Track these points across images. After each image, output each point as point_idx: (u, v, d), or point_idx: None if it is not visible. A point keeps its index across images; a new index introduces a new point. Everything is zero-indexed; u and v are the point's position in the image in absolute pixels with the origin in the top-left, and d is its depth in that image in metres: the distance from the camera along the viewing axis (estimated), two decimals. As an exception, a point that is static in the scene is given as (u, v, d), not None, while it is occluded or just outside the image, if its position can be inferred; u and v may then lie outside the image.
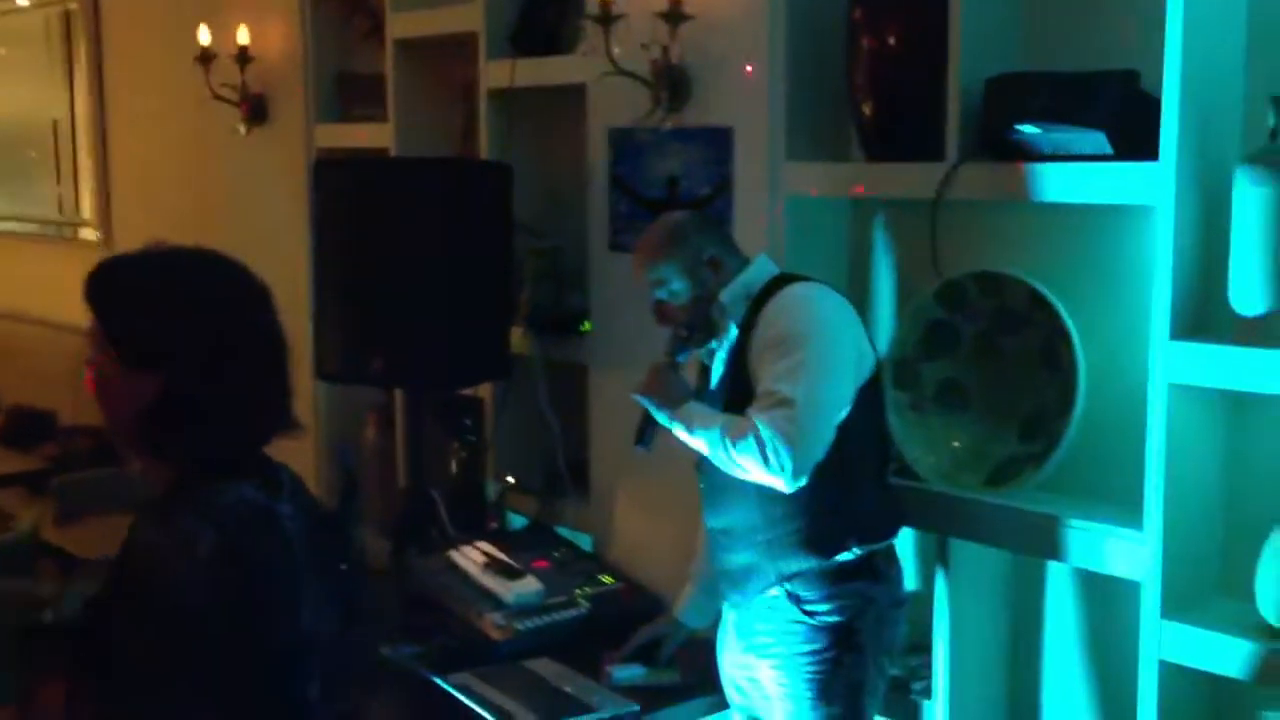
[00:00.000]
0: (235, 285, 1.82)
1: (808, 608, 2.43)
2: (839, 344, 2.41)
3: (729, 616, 2.61)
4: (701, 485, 2.58)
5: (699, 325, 2.55)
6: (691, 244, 2.55)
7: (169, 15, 4.76)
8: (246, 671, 1.73)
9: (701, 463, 2.50)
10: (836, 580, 2.43)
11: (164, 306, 1.77)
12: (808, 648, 2.44)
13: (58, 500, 4.44)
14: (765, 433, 2.29)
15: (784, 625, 2.46)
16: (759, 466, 2.30)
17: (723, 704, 2.71)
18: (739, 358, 2.47)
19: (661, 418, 2.46)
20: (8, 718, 2.74)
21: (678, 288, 2.54)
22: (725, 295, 2.52)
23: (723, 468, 2.38)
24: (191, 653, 1.67)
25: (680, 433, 2.43)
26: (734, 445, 2.33)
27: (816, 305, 2.44)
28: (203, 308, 1.78)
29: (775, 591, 2.46)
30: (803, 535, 2.43)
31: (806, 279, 2.50)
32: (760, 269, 2.54)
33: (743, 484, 2.39)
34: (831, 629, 2.43)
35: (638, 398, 2.50)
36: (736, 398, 2.43)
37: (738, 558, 2.52)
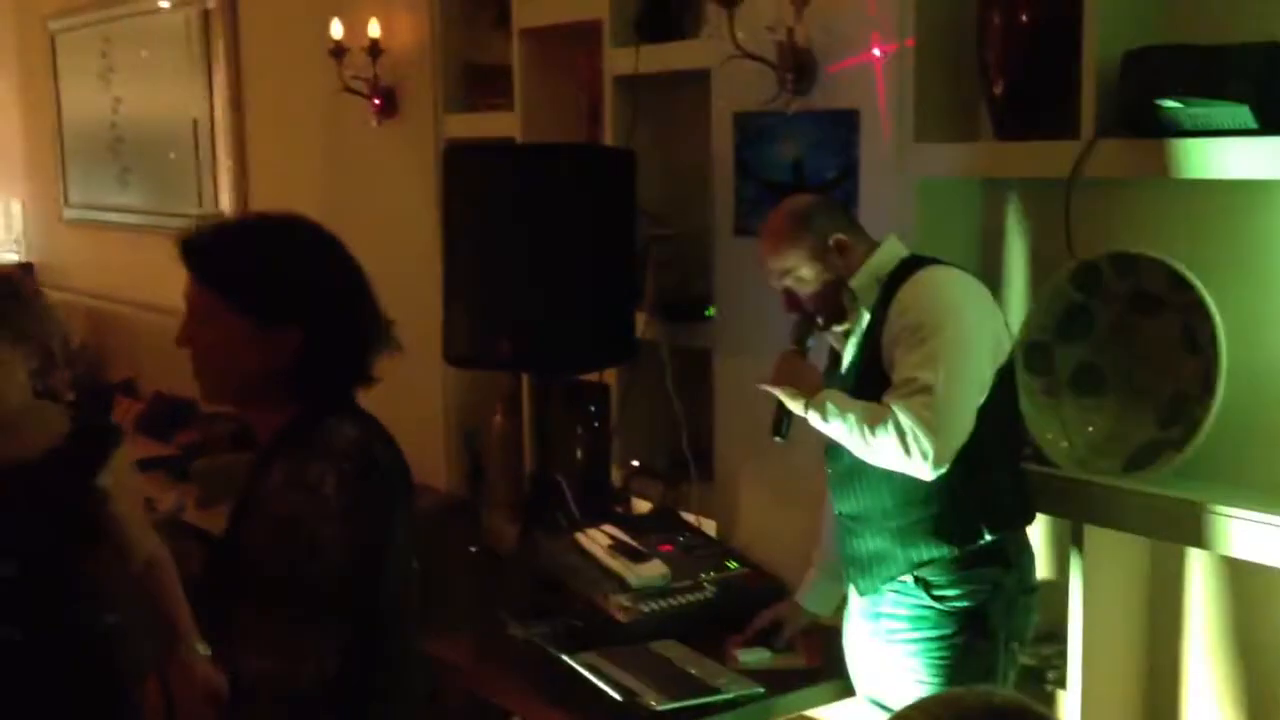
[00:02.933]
0: (325, 239, 1.98)
1: (937, 592, 2.40)
2: (976, 329, 2.37)
3: (855, 603, 2.59)
4: (830, 470, 2.56)
5: (828, 311, 2.52)
6: (817, 228, 2.52)
7: (302, 11, 4.86)
8: (351, 603, 1.83)
9: (831, 448, 2.47)
10: (967, 565, 2.40)
11: (287, 262, 1.92)
12: (937, 633, 2.41)
13: (198, 484, 4.57)
14: (905, 421, 2.26)
15: (913, 610, 2.43)
16: (898, 455, 2.28)
17: (849, 689, 2.69)
18: (872, 343, 2.44)
19: (795, 408, 2.44)
20: (152, 686, 2.84)
21: (806, 274, 2.51)
22: (855, 280, 2.49)
23: (860, 456, 2.36)
24: (321, 583, 1.79)
25: (816, 422, 2.40)
26: (872, 433, 2.30)
27: (952, 289, 2.41)
28: (315, 260, 1.94)
29: (905, 578, 2.43)
30: (936, 522, 2.40)
31: (939, 262, 2.46)
32: (890, 251, 2.51)
33: (875, 469, 2.37)
34: (961, 614, 2.39)
35: (768, 389, 2.47)
36: (870, 383, 2.40)
37: (867, 544, 2.49)
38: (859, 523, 2.51)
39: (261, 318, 1.87)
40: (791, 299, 2.54)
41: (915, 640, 2.43)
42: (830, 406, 2.37)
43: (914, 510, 2.40)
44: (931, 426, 2.26)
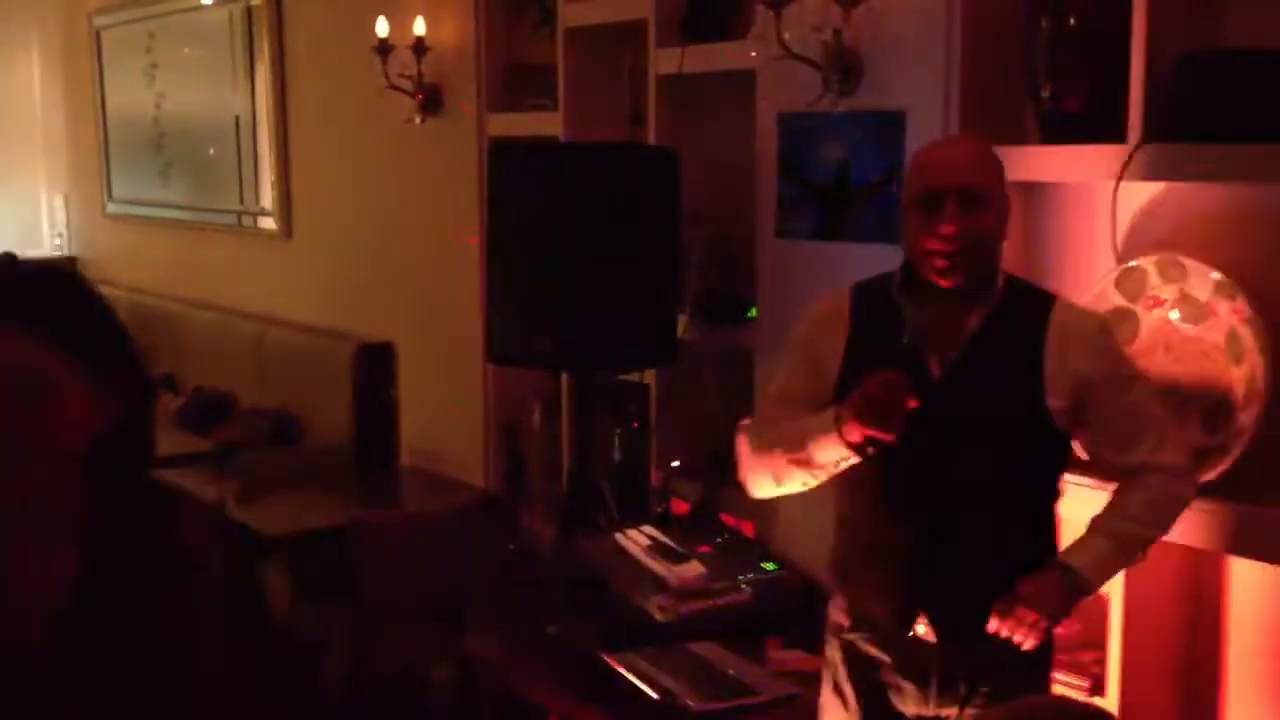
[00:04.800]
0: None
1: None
2: None
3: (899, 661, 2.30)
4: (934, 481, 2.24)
5: (985, 274, 2.20)
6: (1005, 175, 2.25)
7: (348, 8, 4.89)
8: None
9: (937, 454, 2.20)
10: None
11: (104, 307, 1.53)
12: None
13: (240, 479, 4.61)
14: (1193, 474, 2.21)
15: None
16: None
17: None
18: (1019, 366, 2.18)
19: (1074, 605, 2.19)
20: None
21: (990, 215, 2.18)
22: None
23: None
24: None
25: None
26: (1180, 508, 2.19)
27: None
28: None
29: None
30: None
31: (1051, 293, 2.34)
32: None
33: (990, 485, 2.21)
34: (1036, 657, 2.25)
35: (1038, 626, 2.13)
36: (1005, 406, 2.19)
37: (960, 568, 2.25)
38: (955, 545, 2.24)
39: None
40: (965, 235, 2.14)
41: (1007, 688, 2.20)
42: (1109, 568, 2.17)
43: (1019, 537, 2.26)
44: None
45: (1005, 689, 2.19)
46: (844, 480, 2.27)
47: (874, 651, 2.32)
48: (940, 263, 2.16)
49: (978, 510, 2.21)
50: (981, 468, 2.19)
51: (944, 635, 2.24)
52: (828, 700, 2.40)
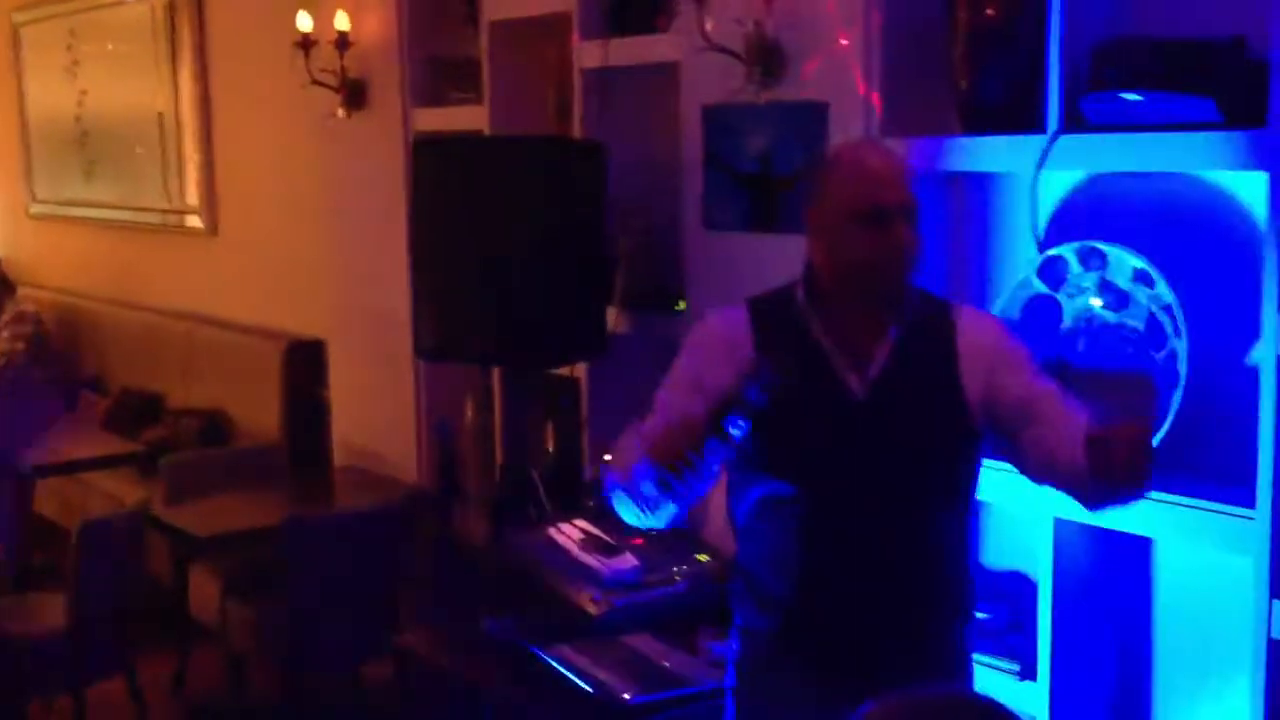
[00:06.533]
0: None
1: None
2: None
3: None
4: None
5: (903, 286, 2.11)
6: None
7: (269, 3, 4.84)
8: None
9: None
10: None
11: None
12: None
13: (166, 480, 4.56)
14: None
15: None
16: None
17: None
18: (940, 373, 2.11)
19: None
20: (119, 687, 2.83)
21: (919, 228, 2.09)
22: None
23: None
24: None
25: None
26: None
27: None
28: None
29: None
30: None
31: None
32: None
33: None
34: None
35: None
36: (937, 406, 2.10)
37: None
38: None
39: None
40: (912, 248, 2.07)
41: None
42: None
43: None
44: None
45: None
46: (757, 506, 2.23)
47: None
48: (891, 273, 2.07)
49: (912, 531, 2.11)
50: (914, 484, 2.09)
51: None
52: None
